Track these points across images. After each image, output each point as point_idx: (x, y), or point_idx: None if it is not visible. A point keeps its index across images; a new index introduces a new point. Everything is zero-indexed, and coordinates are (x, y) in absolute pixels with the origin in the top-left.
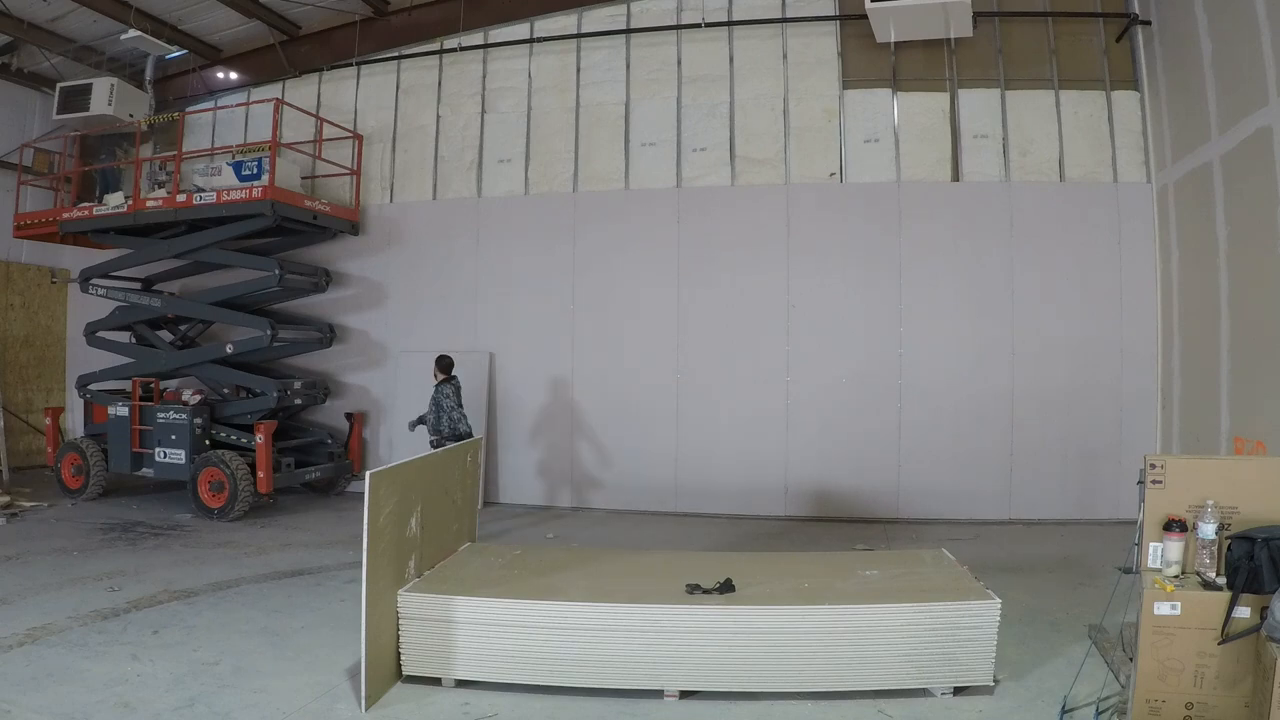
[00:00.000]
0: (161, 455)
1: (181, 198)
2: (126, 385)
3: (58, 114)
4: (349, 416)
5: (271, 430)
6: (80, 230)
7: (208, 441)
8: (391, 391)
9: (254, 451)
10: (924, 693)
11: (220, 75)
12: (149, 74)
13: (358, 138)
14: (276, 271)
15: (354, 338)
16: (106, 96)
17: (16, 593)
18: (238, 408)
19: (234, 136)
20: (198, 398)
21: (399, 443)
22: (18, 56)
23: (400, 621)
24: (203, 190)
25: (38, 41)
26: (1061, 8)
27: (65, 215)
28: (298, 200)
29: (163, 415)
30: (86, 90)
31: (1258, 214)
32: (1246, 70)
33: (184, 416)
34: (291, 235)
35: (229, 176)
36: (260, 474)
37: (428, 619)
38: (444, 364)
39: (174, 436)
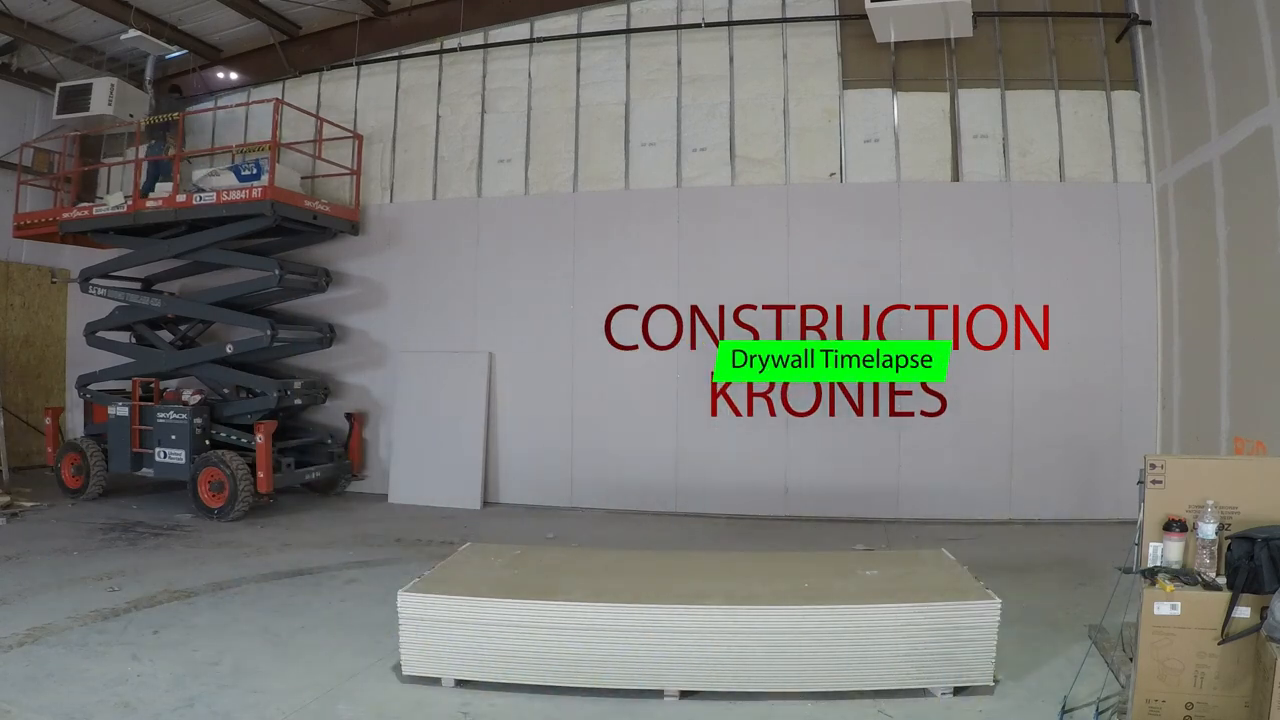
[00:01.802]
0: (161, 455)
1: (181, 198)
2: (126, 385)
3: (58, 114)
4: (349, 416)
5: (271, 430)
6: (80, 230)
7: (208, 441)
8: (391, 392)
9: (254, 451)
10: (924, 693)
11: (220, 75)
12: (149, 74)
13: (358, 137)
14: (276, 271)
15: (354, 338)
16: (106, 96)
17: (16, 593)
18: (238, 408)
19: (234, 137)
20: (198, 398)
21: (399, 444)
22: (18, 56)
23: (400, 621)
24: (202, 190)
25: (38, 41)
26: (1061, 8)
27: (65, 215)
28: (298, 200)
29: (163, 415)
30: (86, 90)
31: (1258, 214)
32: (1246, 70)
33: (184, 416)
34: (291, 235)
35: (229, 177)
36: (260, 474)
37: (428, 619)
38: None
39: (174, 436)
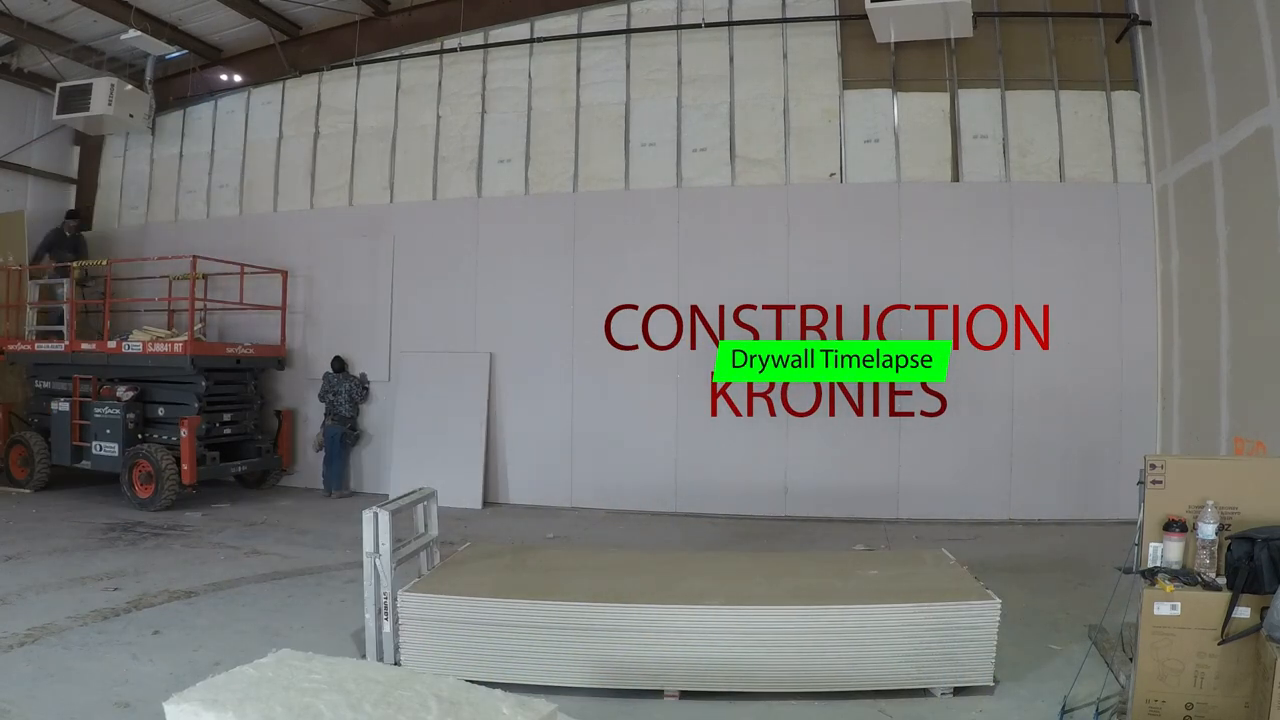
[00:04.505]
0: (98, 449)
1: (112, 344)
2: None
3: (58, 114)
4: (278, 414)
5: (195, 426)
6: (24, 361)
7: (140, 436)
8: (392, 392)
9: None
10: (924, 693)
11: (221, 75)
12: (149, 74)
13: (282, 274)
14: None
15: (354, 338)
16: (106, 96)
17: (16, 593)
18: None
19: (234, 137)
20: (130, 394)
21: (399, 444)
22: (18, 56)
23: (400, 621)
24: (129, 342)
25: (38, 41)
26: (1061, 8)
27: (10, 346)
28: (218, 350)
29: (99, 410)
30: (86, 90)
31: (1258, 214)
32: (1246, 70)
33: (117, 412)
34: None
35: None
36: (185, 466)
37: (428, 619)
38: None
39: (109, 431)
